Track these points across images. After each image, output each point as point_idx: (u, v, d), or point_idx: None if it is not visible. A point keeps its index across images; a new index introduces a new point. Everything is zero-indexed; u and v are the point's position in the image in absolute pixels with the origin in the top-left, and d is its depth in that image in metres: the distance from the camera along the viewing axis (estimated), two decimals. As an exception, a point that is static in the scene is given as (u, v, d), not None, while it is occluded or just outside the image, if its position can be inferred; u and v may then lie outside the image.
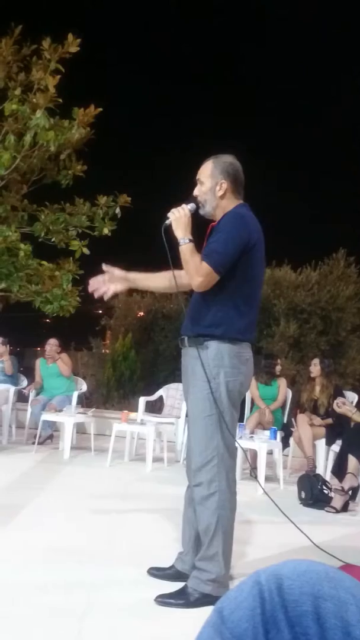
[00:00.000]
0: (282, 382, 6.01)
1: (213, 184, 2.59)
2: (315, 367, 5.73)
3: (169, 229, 2.58)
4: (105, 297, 2.78)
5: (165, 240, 2.59)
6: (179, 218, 2.54)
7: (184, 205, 2.58)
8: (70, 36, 6.42)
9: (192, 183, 2.68)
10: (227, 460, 2.50)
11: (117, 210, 7.04)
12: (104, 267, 2.78)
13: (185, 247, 2.50)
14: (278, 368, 6.12)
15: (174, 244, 2.56)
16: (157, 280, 2.84)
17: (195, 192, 2.64)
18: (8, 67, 6.58)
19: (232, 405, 2.52)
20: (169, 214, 2.57)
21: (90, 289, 2.78)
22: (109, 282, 2.77)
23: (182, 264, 2.55)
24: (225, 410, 2.48)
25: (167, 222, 2.57)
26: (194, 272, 2.46)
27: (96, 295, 2.78)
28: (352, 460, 4.39)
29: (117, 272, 2.77)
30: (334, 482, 4.60)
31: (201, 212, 2.64)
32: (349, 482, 4.36)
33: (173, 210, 2.57)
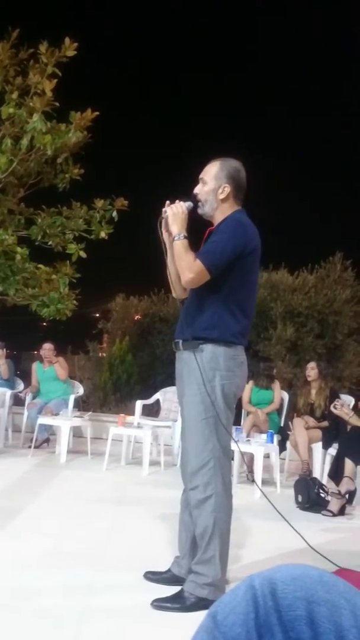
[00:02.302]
0: (276, 386, 6.03)
1: (216, 186, 2.61)
2: (312, 370, 5.73)
3: (163, 223, 2.60)
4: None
5: (162, 234, 2.60)
6: (176, 214, 2.56)
7: (181, 202, 2.59)
8: (67, 40, 6.42)
9: (190, 186, 2.69)
10: (223, 462, 2.50)
11: (114, 214, 7.04)
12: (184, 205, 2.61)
13: (180, 243, 2.52)
14: (274, 371, 6.16)
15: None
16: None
17: (196, 190, 2.65)
18: (5, 71, 6.58)
19: (227, 407, 2.53)
20: (167, 209, 2.59)
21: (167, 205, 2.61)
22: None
23: (175, 260, 2.55)
24: (221, 412, 2.49)
25: (164, 216, 2.59)
26: (187, 268, 2.48)
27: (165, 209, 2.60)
28: (348, 463, 4.40)
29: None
30: (330, 486, 4.60)
31: (199, 211, 2.65)
32: (345, 485, 4.36)
33: (171, 205, 2.59)
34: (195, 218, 2.65)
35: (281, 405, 6.02)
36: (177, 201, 2.60)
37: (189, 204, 2.60)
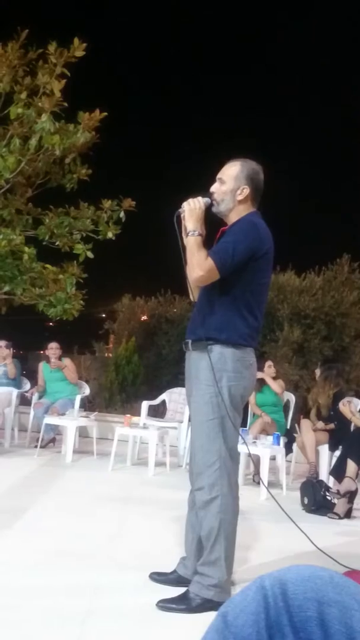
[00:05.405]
0: (271, 382, 5.81)
1: (235, 187, 2.58)
2: (315, 373, 5.77)
3: (180, 218, 2.58)
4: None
5: (177, 229, 2.57)
6: (193, 209, 2.54)
7: (199, 198, 2.57)
8: (76, 40, 6.43)
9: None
10: (229, 464, 2.50)
11: (122, 214, 7.05)
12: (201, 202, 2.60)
13: (194, 239, 2.50)
14: (271, 371, 5.88)
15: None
16: None
17: (213, 189, 2.63)
18: (14, 71, 6.59)
19: (234, 409, 2.52)
20: (184, 204, 2.57)
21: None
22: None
23: (187, 255, 2.52)
24: (228, 414, 2.48)
25: (181, 210, 2.57)
26: (197, 265, 2.46)
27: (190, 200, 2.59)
28: (350, 464, 4.40)
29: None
30: (336, 487, 4.58)
31: (214, 209, 2.63)
32: (345, 485, 4.36)
33: (189, 200, 2.57)
34: (212, 218, 2.64)
35: (287, 407, 5.97)
36: (198, 198, 2.58)
37: (207, 199, 2.58)
